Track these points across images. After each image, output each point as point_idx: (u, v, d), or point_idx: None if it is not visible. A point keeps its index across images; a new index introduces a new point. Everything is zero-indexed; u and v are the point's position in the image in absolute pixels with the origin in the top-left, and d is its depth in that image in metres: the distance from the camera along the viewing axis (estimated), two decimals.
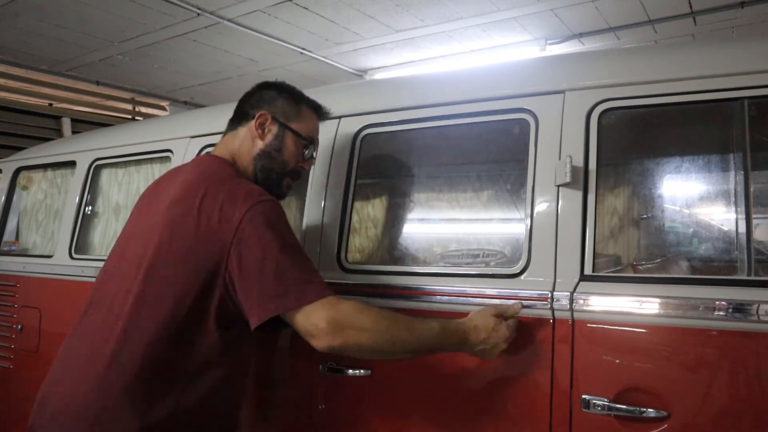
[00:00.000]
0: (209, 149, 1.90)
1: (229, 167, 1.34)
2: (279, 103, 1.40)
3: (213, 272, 1.17)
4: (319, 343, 1.15)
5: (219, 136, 1.46)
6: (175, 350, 1.17)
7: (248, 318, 1.16)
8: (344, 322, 1.14)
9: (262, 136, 1.37)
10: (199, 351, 1.18)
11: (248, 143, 1.37)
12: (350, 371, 1.46)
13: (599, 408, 1.15)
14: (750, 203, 1.23)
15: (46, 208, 2.69)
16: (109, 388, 1.13)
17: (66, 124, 5.35)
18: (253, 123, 1.37)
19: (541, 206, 1.31)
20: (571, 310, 1.21)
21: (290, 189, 1.45)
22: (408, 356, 1.26)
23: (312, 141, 1.43)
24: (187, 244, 1.19)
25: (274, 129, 1.38)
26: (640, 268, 1.60)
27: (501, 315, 1.23)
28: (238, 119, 1.42)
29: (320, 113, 1.48)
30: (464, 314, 1.32)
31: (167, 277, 1.19)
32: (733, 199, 1.38)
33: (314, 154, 1.47)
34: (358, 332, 1.15)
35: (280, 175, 1.39)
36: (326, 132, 1.67)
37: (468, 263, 1.57)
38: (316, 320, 1.13)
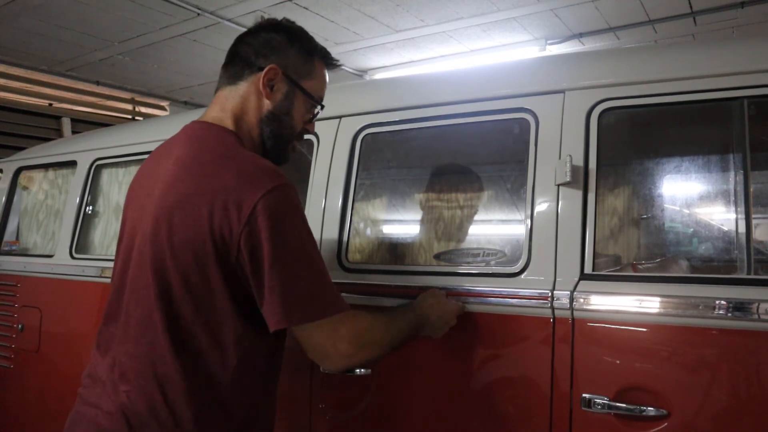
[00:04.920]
0: None
1: (229, 137, 1.12)
2: (290, 54, 1.15)
3: (223, 263, 1.01)
4: (335, 365, 1.06)
5: None
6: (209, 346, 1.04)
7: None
8: (364, 341, 1.07)
9: (270, 96, 1.14)
10: (229, 344, 1.04)
11: (253, 102, 1.15)
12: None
13: (599, 407, 1.16)
14: (750, 203, 1.23)
15: (46, 208, 2.68)
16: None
17: (66, 124, 5.35)
18: (261, 78, 1.13)
19: (541, 206, 1.31)
20: (572, 309, 1.21)
21: (294, 152, 1.26)
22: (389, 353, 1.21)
23: (322, 101, 1.24)
24: (188, 236, 1.00)
25: (284, 88, 1.15)
26: (641, 267, 1.60)
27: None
28: (238, 68, 1.17)
29: (331, 65, 1.26)
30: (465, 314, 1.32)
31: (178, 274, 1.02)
32: (733, 199, 1.38)
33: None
34: (373, 348, 1.10)
35: (288, 141, 1.20)
36: (327, 132, 1.67)
37: (468, 262, 1.58)
38: (335, 340, 1.03)
